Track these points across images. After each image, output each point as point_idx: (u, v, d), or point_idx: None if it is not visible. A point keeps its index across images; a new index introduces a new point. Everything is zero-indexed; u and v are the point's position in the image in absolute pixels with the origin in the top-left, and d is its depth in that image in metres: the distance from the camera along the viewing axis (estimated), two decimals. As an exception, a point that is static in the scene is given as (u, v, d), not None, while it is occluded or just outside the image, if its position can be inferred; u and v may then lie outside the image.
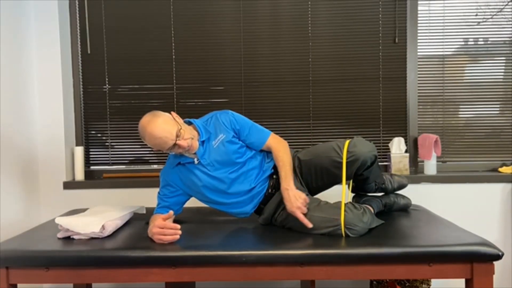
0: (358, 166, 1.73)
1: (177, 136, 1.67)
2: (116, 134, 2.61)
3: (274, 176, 1.83)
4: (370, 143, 1.77)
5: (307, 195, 1.78)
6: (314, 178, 1.85)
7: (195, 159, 1.78)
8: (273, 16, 2.55)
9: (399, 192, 2.08)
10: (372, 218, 1.71)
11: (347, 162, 1.72)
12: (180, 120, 1.76)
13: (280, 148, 1.84)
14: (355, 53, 2.54)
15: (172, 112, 1.76)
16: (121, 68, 2.59)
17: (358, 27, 2.53)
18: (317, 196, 1.87)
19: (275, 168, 1.84)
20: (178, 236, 1.60)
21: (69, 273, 1.55)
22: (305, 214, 1.68)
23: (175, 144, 1.67)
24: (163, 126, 1.66)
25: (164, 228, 1.60)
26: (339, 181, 1.79)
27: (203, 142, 1.78)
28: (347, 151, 1.72)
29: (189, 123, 1.83)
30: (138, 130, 1.72)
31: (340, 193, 2.09)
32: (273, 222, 1.83)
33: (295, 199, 1.69)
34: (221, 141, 1.79)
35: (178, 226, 1.62)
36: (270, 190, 1.83)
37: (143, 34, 2.57)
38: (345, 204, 1.65)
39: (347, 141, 1.76)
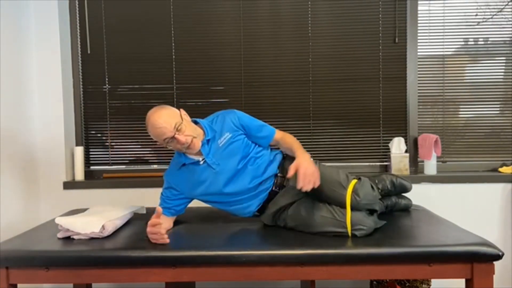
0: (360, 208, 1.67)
1: (176, 129, 1.67)
2: (116, 134, 2.60)
3: (279, 175, 1.83)
4: (374, 192, 1.71)
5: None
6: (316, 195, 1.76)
7: (200, 159, 1.78)
8: (273, 16, 2.55)
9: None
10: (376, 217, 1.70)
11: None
12: (187, 118, 1.77)
13: (287, 137, 1.88)
14: (355, 53, 2.54)
15: (181, 109, 1.78)
16: (121, 68, 2.59)
17: (358, 27, 2.53)
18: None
19: (280, 167, 1.84)
20: (167, 240, 1.59)
21: (69, 273, 1.55)
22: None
23: (173, 138, 1.68)
24: (164, 118, 1.68)
25: (154, 228, 1.58)
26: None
27: (208, 141, 1.79)
28: (352, 192, 1.65)
29: (196, 123, 1.84)
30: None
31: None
32: (275, 219, 1.81)
33: (311, 176, 1.61)
34: (227, 140, 1.80)
35: (163, 232, 1.59)
36: (274, 188, 1.82)
37: (143, 34, 2.57)
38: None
39: (353, 182, 1.68)
